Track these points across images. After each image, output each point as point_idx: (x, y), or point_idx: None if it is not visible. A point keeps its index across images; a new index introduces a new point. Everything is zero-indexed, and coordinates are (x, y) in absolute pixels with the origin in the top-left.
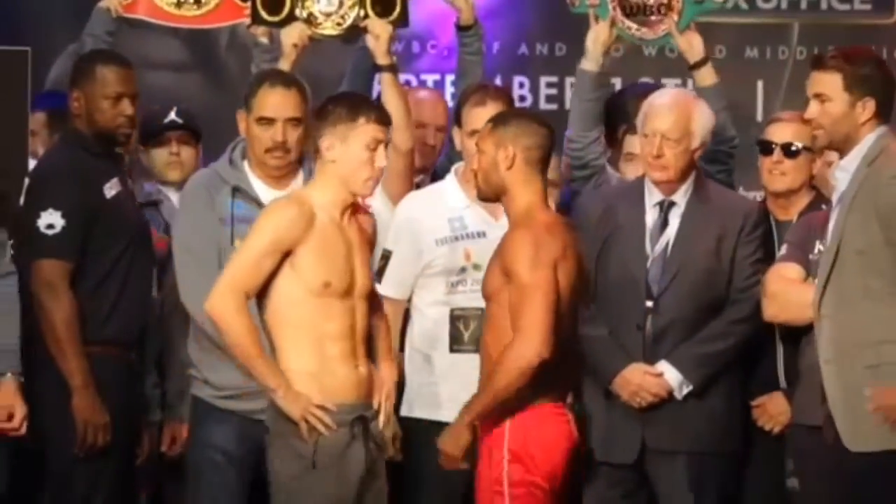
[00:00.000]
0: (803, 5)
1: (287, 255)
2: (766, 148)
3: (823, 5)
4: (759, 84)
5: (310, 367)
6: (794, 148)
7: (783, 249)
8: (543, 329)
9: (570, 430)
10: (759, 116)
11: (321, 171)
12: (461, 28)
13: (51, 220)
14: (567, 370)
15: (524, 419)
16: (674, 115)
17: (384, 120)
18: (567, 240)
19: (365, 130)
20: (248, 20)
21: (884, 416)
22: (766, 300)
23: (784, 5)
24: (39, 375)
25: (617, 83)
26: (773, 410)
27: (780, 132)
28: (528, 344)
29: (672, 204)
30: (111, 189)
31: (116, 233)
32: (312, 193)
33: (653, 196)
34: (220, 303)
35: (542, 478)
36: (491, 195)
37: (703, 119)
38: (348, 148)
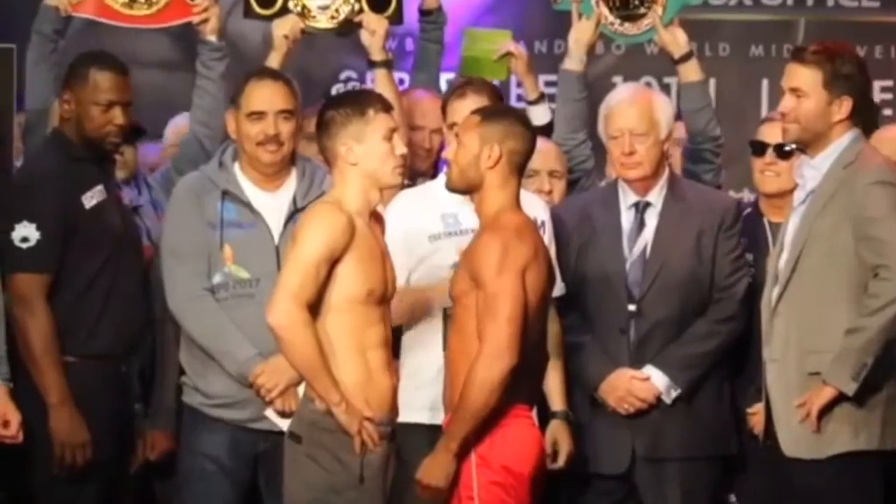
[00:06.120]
0: (809, 2)
1: (335, 263)
2: (759, 148)
3: (830, 2)
4: (764, 82)
5: (355, 377)
6: (786, 148)
7: None
8: (509, 338)
9: (537, 433)
10: (764, 115)
11: (343, 177)
12: (423, 13)
13: (25, 232)
14: (535, 374)
15: (492, 422)
16: (636, 110)
17: (389, 106)
18: (537, 242)
19: (378, 123)
20: (196, 18)
21: (812, 422)
22: None
23: (790, 2)
24: (21, 385)
25: (618, 82)
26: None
27: (773, 133)
28: (494, 357)
29: (648, 205)
30: (92, 198)
31: (96, 243)
32: (345, 200)
33: (627, 198)
34: (285, 316)
35: (511, 481)
36: (463, 188)
37: (665, 108)
38: (367, 145)
